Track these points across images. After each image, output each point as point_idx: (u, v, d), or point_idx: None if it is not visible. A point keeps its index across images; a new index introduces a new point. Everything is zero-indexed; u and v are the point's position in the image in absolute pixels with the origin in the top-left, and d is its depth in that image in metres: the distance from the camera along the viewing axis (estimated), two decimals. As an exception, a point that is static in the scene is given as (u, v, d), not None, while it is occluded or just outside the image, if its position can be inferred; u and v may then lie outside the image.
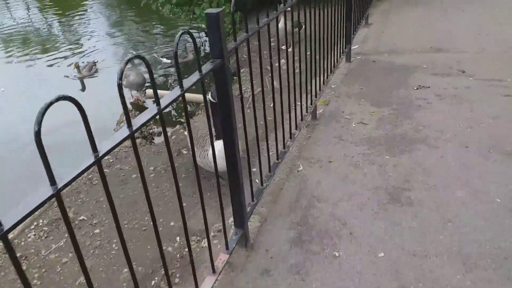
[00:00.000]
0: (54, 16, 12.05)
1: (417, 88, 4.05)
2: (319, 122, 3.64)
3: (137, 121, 1.35)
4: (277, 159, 2.77)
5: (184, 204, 3.04)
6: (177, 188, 1.70)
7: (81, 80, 6.81)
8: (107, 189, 1.26)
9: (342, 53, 4.58)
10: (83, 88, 6.73)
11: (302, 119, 3.26)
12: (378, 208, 2.53)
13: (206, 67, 1.70)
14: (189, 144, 1.86)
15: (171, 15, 7.77)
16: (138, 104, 5.95)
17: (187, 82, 1.57)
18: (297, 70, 2.96)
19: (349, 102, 3.95)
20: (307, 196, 2.70)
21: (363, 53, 5.20)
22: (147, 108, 5.89)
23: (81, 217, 2.98)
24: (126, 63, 1.24)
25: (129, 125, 1.29)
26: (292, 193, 2.76)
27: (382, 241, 2.28)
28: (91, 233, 2.82)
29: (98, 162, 1.16)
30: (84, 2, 12.99)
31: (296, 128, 3.12)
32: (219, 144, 2.70)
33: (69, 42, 9.14)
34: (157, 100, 1.44)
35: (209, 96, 2.58)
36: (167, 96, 1.51)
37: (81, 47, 8.68)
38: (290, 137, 2.99)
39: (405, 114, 3.60)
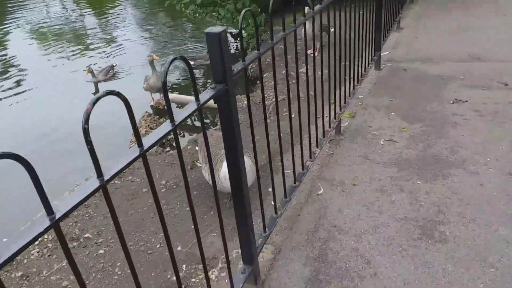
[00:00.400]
0: (87, 13, 12.13)
1: (452, 102, 3.72)
2: (344, 138, 3.36)
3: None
4: (295, 182, 2.53)
5: (192, 226, 2.85)
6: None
7: (96, 84, 6.70)
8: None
9: (371, 60, 4.29)
10: (96, 92, 6.61)
11: (324, 136, 3.00)
12: (407, 244, 2.25)
13: (205, 95, 1.47)
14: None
15: (194, 16, 7.61)
16: (158, 107, 5.81)
17: (179, 115, 1.35)
18: (324, 77, 2.71)
19: (378, 115, 3.66)
20: (326, 226, 2.44)
21: (394, 60, 4.87)
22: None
23: (87, 235, 2.82)
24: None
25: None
26: (310, 220, 2.51)
27: (410, 286, 2.00)
28: (95, 254, 2.65)
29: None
30: (117, 1, 13.05)
31: (317, 146, 2.87)
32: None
33: (93, 44, 9.12)
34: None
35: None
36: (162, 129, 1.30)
37: (106, 47, 8.65)
38: (310, 157, 2.74)
39: (439, 131, 3.29)
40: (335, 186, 2.79)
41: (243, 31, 7.63)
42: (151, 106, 5.83)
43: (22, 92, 6.85)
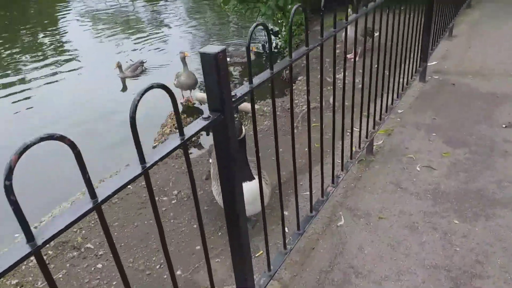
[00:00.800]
0: (140, 4, 12.22)
1: (505, 126, 3.28)
2: (376, 159, 3.03)
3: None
4: (311, 211, 2.24)
5: (197, 247, 2.65)
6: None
7: (123, 80, 6.55)
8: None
9: (416, 71, 3.88)
10: (124, 89, 6.47)
11: (352, 158, 2.69)
12: (434, 300, 1.92)
13: (193, 127, 1.23)
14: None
15: (235, 13, 7.39)
16: (188, 105, 5.66)
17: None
18: (358, 86, 2.41)
19: (417, 135, 3.28)
20: (343, 266, 2.15)
21: (442, 72, 4.42)
22: (197, 108, 5.59)
23: (88, 245, 2.67)
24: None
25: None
26: (325, 257, 2.22)
27: None
28: (93, 268, 2.49)
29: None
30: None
31: (342, 169, 2.56)
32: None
33: (138, 33, 9.12)
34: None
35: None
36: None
37: (146, 39, 8.60)
38: (333, 181, 2.44)
39: (486, 161, 2.88)
40: (358, 217, 2.48)
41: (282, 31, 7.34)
42: (182, 104, 5.69)
43: (73, 70, 7.08)
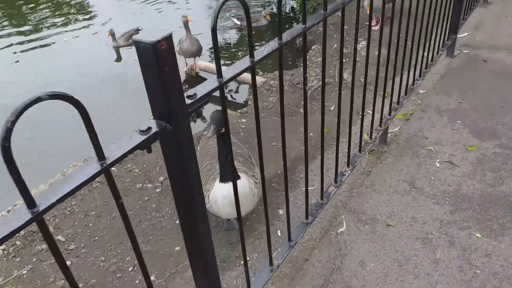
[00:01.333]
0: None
1: (544, 116, 2.83)
2: (389, 150, 2.64)
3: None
4: (306, 217, 1.90)
5: (177, 248, 2.36)
6: None
7: (117, 49, 6.04)
8: None
9: (443, 45, 3.38)
10: (118, 59, 5.98)
11: (361, 151, 2.31)
12: None
13: (124, 144, 0.87)
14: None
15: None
16: (192, 74, 5.27)
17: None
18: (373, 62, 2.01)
19: (439, 122, 2.86)
20: (339, 285, 1.83)
21: (473, 45, 3.90)
22: (201, 78, 5.18)
23: (59, 237, 2.41)
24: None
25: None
26: (320, 272, 1.90)
27: None
28: (62, 264, 2.24)
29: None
30: None
31: (348, 165, 2.19)
32: (222, 189, 1.91)
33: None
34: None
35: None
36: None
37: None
38: (336, 180, 2.08)
39: (519, 158, 2.47)
40: (363, 223, 2.13)
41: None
42: (185, 72, 5.29)
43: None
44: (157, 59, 0.86)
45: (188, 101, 0.99)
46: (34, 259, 2.28)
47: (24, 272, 2.22)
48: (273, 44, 1.28)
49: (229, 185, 1.84)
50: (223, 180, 1.89)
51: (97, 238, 2.36)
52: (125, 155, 0.86)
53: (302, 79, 1.53)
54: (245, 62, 1.17)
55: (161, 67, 0.87)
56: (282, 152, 1.49)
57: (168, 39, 0.86)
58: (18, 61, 5.90)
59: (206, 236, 1.25)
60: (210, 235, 1.28)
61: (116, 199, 0.90)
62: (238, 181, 1.88)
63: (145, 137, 0.90)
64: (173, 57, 0.89)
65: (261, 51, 1.24)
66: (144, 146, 0.90)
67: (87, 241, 2.35)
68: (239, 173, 1.92)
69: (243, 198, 1.92)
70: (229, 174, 1.87)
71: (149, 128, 0.91)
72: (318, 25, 1.51)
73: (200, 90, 1.04)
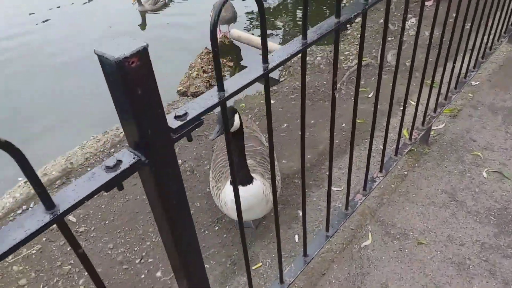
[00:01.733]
0: None
1: None
2: (430, 152, 2.36)
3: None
4: (327, 229, 1.70)
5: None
6: None
7: (143, 14, 5.78)
8: None
9: (505, 31, 2.97)
10: (143, 25, 5.70)
11: (397, 153, 2.05)
12: None
13: (85, 186, 0.69)
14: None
15: None
16: (224, 42, 5.01)
17: None
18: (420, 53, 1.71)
19: (491, 123, 2.53)
20: (357, 310, 1.65)
21: (541, 32, 3.42)
22: (235, 47, 4.92)
23: (71, 217, 2.34)
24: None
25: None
26: (336, 292, 1.72)
27: None
28: (69, 248, 2.16)
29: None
30: None
31: (381, 170, 1.95)
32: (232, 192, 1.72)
33: None
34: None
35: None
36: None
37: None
38: (365, 187, 1.86)
39: None
40: (391, 237, 1.91)
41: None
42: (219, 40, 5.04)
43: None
44: (124, 81, 0.65)
45: (175, 124, 0.79)
46: (44, 239, 2.22)
47: (33, 252, 2.17)
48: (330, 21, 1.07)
49: (241, 188, 1.66)
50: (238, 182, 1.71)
51: (107, 222, 2.27)
52: (81, 202, 0.68)
53: (331, 83, 1.29)
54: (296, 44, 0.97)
55: (131, 89, 0.66)
56: (300, 162, 1.27)
57: (141, 53, 0.64)
58: (49, 20, 5.84)
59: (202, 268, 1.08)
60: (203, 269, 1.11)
61: (75, 249, 0.73)
62: (250, 185, 1.69)
63: (112, 175, 0.71)
64: (149, 75, 0.68)
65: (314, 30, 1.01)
66: (111, 186, 0.72)
67: (97, 224, 2.27)
68: (253, 175, 1.72)
69: (255, 203, 1.74)
70: (244, 177, 1.68)
71: (118, 163, 0.72)
72: (354, 19, 1.24)
73: (193, 108, 0.83)
